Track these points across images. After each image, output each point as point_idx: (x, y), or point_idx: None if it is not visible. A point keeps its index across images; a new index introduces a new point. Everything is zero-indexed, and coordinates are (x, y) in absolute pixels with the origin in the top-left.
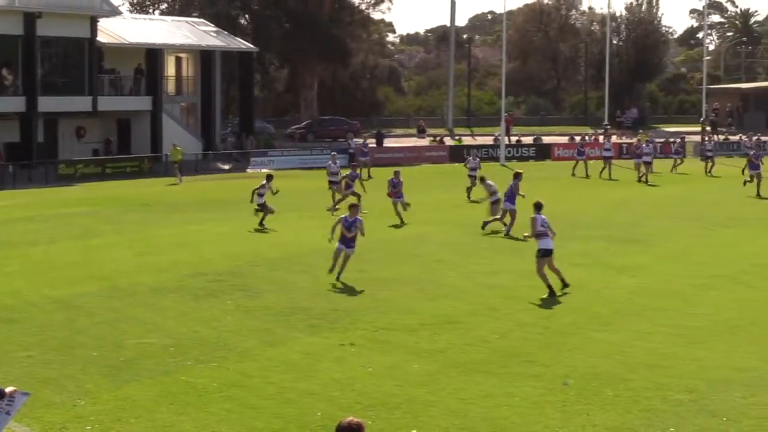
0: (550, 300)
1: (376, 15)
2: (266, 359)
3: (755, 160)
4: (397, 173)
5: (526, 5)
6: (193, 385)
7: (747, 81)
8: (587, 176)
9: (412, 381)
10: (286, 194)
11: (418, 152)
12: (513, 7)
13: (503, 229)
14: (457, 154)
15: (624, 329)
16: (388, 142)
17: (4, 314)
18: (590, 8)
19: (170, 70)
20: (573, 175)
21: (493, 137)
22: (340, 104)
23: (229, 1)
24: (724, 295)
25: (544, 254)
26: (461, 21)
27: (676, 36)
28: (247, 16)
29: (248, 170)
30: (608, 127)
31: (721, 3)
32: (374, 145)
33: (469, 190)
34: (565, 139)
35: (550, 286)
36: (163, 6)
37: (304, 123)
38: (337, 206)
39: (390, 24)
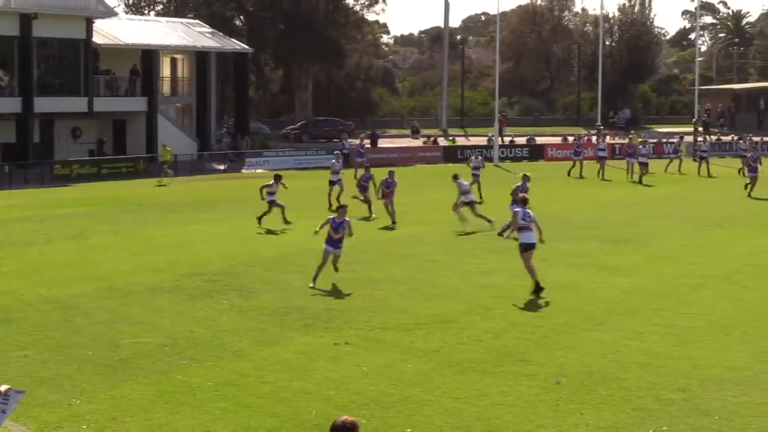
0: (544, 299)
1: (370, 16)
2: (261, 359)
3: (752, 162)
4: (391, 173)
5: (520, 6)
6: (189, 384)
7: (739, 82)
8: (581, 176)
9: (406, 380)
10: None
11: (412, 153)
12: (506, 8)
13: (487, 227)
14: (451, 154)
15: (617, 329)
16: (383, 143)
17: (1, 314)
18: (583, 9)
19: (165, 71)
20: (569, 175)
21: (486, 138)
22: (335, 105)
23: (224, 2)
24: (717, 294)
25: (526, 248)
26: (455, 22)
27: (668, 37)
28: (242, 17)
29: (243, 171)
30: (601, 127)
31: (713, 4)
32: (369, 146)
33: (478, 189)
34: (558, 140)
35: (537, 283)
36: (159, 7)
37: (298, 123)
38: (373, 214)
39: (384, 25)
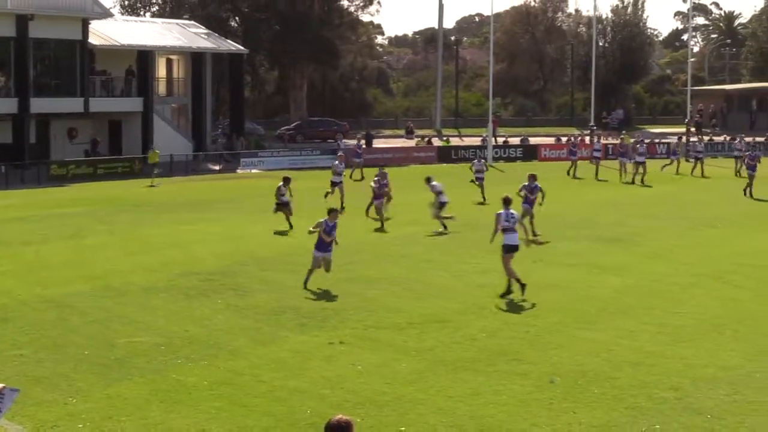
0: (537, 299)
1: (364, 17)
2: (256, 358)
3: (751, 161)
4: (383, 174)
5: (513, 7)
6: (184, 383)
7: (731, 82)
8: (575, 176)
9: (400, 379)
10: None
11: (406, 153)
12: (500, 9)
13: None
14: (445, 154)
15: (610, 328)
16: (377, 143)
17: None
18: (576, 10)
19: (161, 71)
20: (568, 174)
21: (481, 138)
22: (330, 105)
23: (219, 3)
24: (709, 294)
25: (508, 250)
26: (449, 23)
27: (661, 38)
28: (237, 18)
29: (238, 171)
30: (594, 128)
31: (705, 5)
32: (363, 146)
33: (482, 191)
34: (551, 140)
35: (518, 280)
36: (154, 8)
37: (293, 124)
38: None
39: (379, 26)
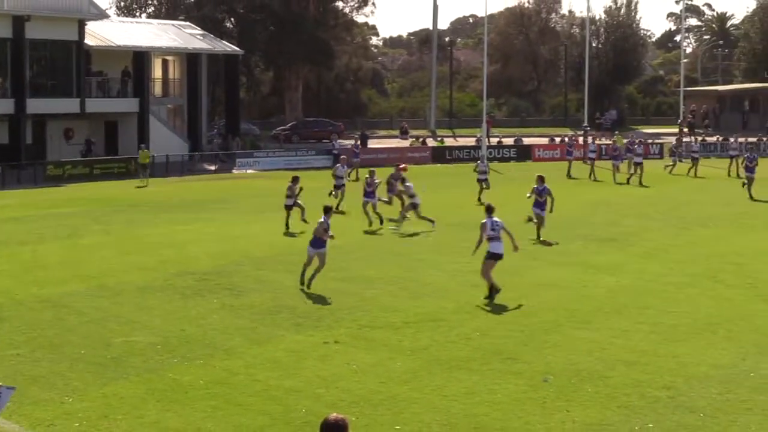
0: (532, 298)
1: (359, 18)
2: (252, 357)
3: (750, 163)
4: (371, 173)
5: (507, 9)
6: (180, 382)
7: (723, 83)
8: (569, 176)
9: (395, 378)
10: (272, 195)
11: (401, 153)
12: (494, 10)
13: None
14: (440, 155)
15: (604, 327)
16: (372, 144)
17: None
18: (570, 12)
19: (157, 72)
20: (570, 176)
21: (475, 138)
22: (325, 106)
23: (215, 4)
24: (702, 293)
25: (491, 257)
26: (443, 24)
27: (654, 39)
28: (232, 19)
29: (234, 171)
30: (588, 128)
31: (698, 7)
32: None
33: (480, 192)
34: (545, 141)
35: (492, 287)
36: (150, 9)
37: (289, 124)
38: (405, 214)
39: (373, 27)
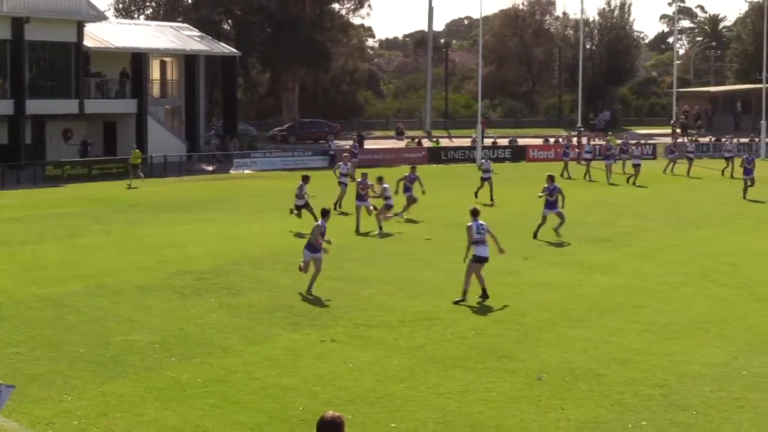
0: (527, 297)
1: (356, 20)
2: (249, 355)
3: (748, 164)
4: (364, 175)
5: (502, 11)
6: (178, 380)
7: (716, 84)
8: (564, 176)
9: (391, 376)
10: (269, 195)
11: (396, 154)
12: (489, 12)
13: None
14: (435, 155)
15: (598, 326)
16: (368, 144)
17: None
18: (564, 14)
19: (155, 73)
20: (569, 177)
21: (471, 139)
22: (321, 107)
23: (212, 6)
24: (695, 292)
25: (477, 260)
26: (439, 26)
27: (647, 41)
28: (230, 21)
29: (231, 171)
30: (582, 129)
31: (690, 9)
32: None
33: (491, 193)
34: (539, 141)
35: (465, 293)
36: (148, 11)
37: (285, 125)
38: (404, 211)
39: (369, 29)
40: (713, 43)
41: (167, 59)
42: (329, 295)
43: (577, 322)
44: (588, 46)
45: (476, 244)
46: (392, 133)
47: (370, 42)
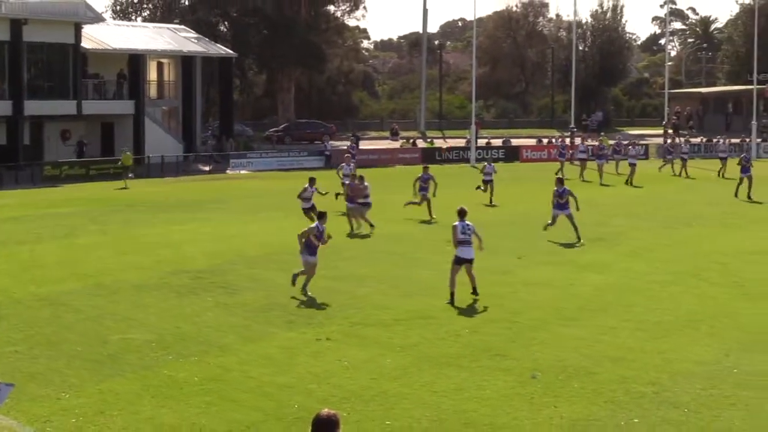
0: (520, 296)
1: (351, 22)
2: (245, 354)
3: (745, 163)
4: (361, 177)
5: (496, 13)
6: (175, 378)
7: (707, 85)
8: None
9: (386, 374)
10: (265, 195)
11: (391, 154)
12: (483, 14)
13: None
14: (430, 155)
15: (590, 324)
16: (363, 145)
17: None
18: (557, 15)
19: (152, 74)
20: (563, 176)
21: (465, 140)
22: (317, 108)
23: (209, 8)
24: (686, 291)
25: (457, 261)
26: (433, 28)
27: (639, 42)
28: (226, 22)
29: (228, 171)
30: (574, 129)
31: (682, 11)
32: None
33: (481, 189)
34: (533, 142)
35: (452, 294)
36: (145, 13)
37: (281, 126)
38: (412, 203)
39: (364, 30)
40: (704, 45)
41: (164, 60)
42: (325, 294)
43: (570, 320)
44: (581, 48)
45: (460, 245)
46: (387, 133)
47: (365, 43)
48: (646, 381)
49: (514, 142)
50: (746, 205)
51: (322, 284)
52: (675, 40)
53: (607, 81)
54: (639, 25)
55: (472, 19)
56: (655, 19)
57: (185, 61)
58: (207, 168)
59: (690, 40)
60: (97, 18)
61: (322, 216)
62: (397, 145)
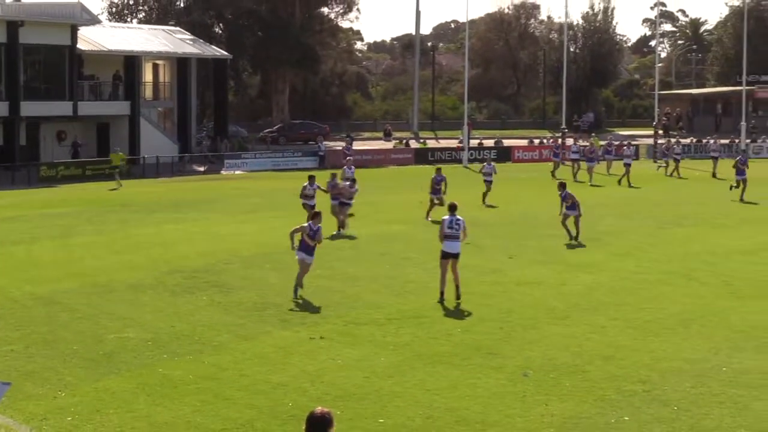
0: (511, 295)
1: (344, 24)
2: (240, 352)
3: (741, 165)
4: (333, 176)
5: (488, 14)
6: (170, 377)
7: (697, 87)
8: (554, 175)
9: (379, 373)
10: (260, 195)
11: (384, 155)
12: (475, 16)
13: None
14: (422, 156)
15: (581, 323)
16: (356, 145)
17: None
18: (549, 17)
19: (148, 76)
20: (553, 176)
21: (458, 140)
22: (311, 109)
23: (204, 10)
24: (676, 290)
25: (444, 256)
26: (426, 29)
27: (629, 44)
28: (221, 24)
29: (223, 172)
30: (566, 130)
31: (672, 12)
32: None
33: (484, 195)
34: (524, 142)
35: (441, 293)
36: (141, 15)
37: (275, 127)
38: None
39: (358, 32)
40: (694, 47)
41: (160, 62)
42: (318, 294)
43: (561, 319)
44: (572, 50)
45: (446, 239)
46: (380, 134)
47: (358, 45)
48: (637, 379)
49: (506, 142)
50: (737, 206)
51: (316, 284)
52: (665, 41)
53: (598, 82)
54: (629, 27)
55: (465, 21)
56: (645, 21)
57: (180, 63)
58: (202, 168)
59: (680, 41)
60: (93, 20)
61: (315, 216)
62: (390, 145)
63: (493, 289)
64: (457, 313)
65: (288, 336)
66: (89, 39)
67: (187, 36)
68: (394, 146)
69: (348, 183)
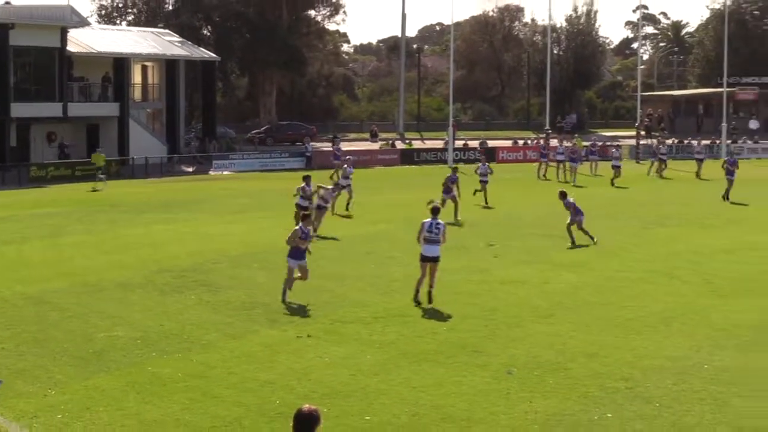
0: (496, 294)
1: (331, 26)
2: (228, 351)
3: (730, 166)
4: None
5: (473, 17)
6: (159, 375)
7: (678, 88)
8: (543, 177)
9: (365, 371)
10: (248, 195)
11: (371, 155)
12: (460, 18)
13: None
14: (408, 157)
15: (565, 321)
16: (343, 146)
17: None
18: (532, 20)
19: (137, 78)
20: (546, 178)
21: (444, 141)
22: (298, 110)
23: (192, 12)
24: (658, 289)
25: (422, 259)
26: (411, 32)
27: (612, 46)
28: (209, 26)
29: (211, 172)
30: (549, 131)
31: (654, 15)
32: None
33: (479, 192)
34: (509, 143)
35: (417, 292)
36: (130, 17)
37: (263, 128)
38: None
39: (344, 35)
40: (676, 49)
41: (148, 64)
42: (305, 293)
43: (545, 317)
44: (555, 52)
45: (426, 243)
46: (366, 135)
47: (345, 47)
48: (619, 376)
49: (491, 143)
50: (721, 206)
51: (303, 283)
52: (647, 44)
53: (582, 84)
54: (612, 29)
55: (450, 23)
56: (627, 23)
57: (169, 65)
58: (190, 169)
59: (662, 44)
60: (83, 22)
61: (305, 218)
62: (376, 146)
63: (478, 288)
64: (442, 312)
65: (275, 334)
66: (79, 41)
67: (176, 38)
68: (380, 147)
69: (330, 188)
